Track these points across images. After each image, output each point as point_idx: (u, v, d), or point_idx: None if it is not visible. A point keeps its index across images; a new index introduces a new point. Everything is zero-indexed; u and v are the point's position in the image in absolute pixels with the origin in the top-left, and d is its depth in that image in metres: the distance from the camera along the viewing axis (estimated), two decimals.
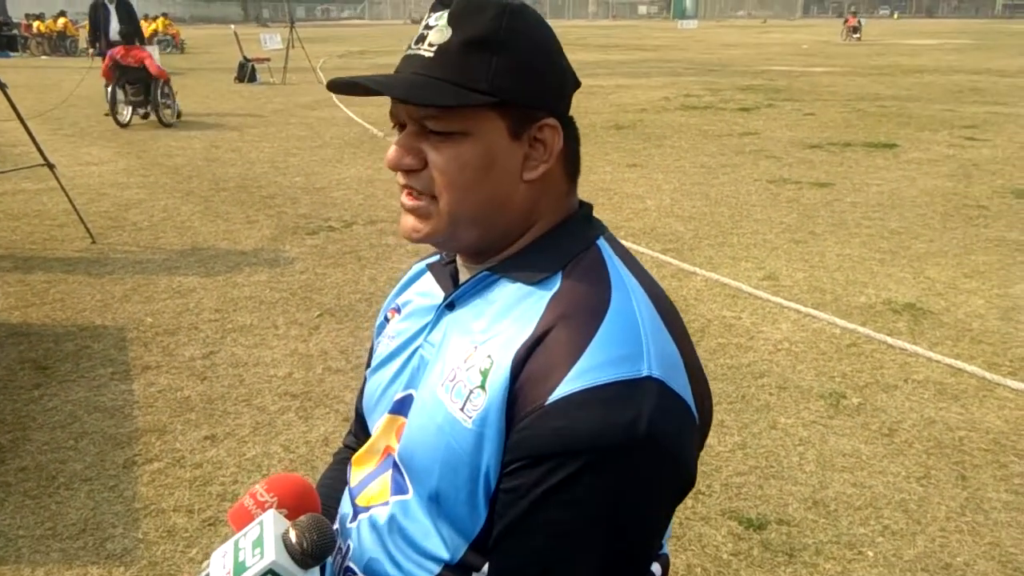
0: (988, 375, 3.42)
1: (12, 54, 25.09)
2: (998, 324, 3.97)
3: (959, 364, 3.51)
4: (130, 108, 10.52)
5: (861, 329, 3.89)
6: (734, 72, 18.81)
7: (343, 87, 0.88)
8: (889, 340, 3.76)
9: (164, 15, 31.88)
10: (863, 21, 35.69)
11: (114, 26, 11.26)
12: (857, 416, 3.09)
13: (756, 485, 2.66)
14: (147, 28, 25.43)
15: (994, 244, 5.24)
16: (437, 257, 1.08)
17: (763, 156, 8.33)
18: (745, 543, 2.39)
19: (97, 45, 11.75)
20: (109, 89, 10.36)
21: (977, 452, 2.85)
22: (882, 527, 2.46)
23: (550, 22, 0.94)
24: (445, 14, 0.86)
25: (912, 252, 5.11)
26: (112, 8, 11.33)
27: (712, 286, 4.55)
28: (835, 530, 2.44)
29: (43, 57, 25.23)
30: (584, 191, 0.96)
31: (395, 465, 0.98)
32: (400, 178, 0.91)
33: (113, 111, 10.39)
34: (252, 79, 16.71)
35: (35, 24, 27.71)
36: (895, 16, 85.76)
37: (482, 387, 0.85)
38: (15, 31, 26.93)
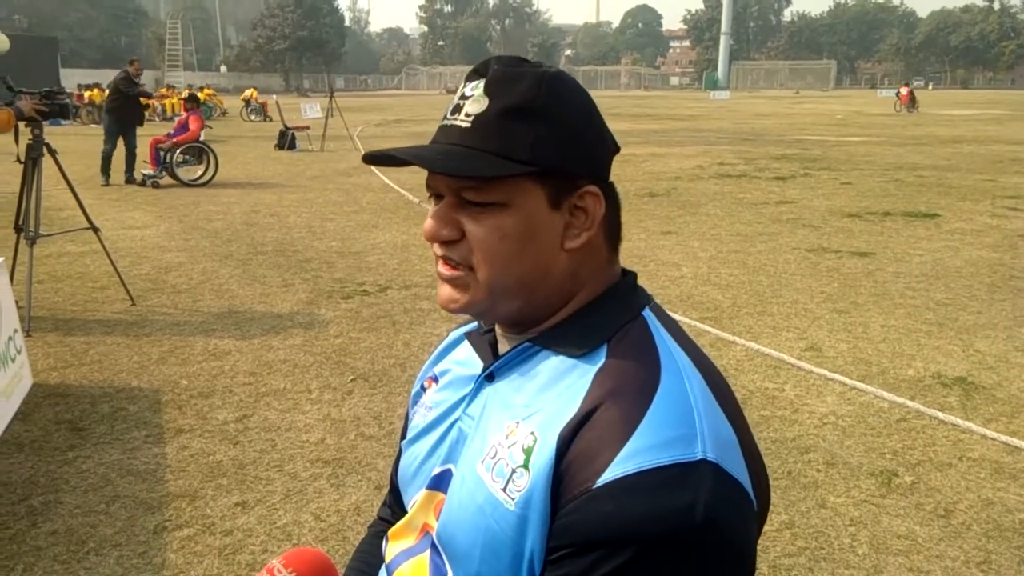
0: None
1: (64, 122, 26.07)
2: None
3: (1016, 442, 3.36)
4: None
5: (911, 404, 3.75)
6: (768, 141, 18.90)
7: (379, 159, 0.86)
8: (941, 415, 3.62)
9: (208, 86, 33.04)
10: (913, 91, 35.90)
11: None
12: (911, 495, 2.95)
13: (806, 568, 2.53)
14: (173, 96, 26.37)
15: None
16: (475, 325, 1.04)
17: (800, 225, 8.27)
18: None
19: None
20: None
21: None
22: None
23: None
24: (481, 83, 0.84)
25: (960, 324, 4.97)
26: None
27: (753, 356, 4.44)
28: None
29: (92, 125, 26.17)
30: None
31: (433, 545, 0.93)
32: (437, 249, 0.88)
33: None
34: (292, 147, 17.16)
35: (87, 94, 28.86)
36: (929, 87, 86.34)
37: (525, 466, 0.80)
38: (67, 100, 28.05)
